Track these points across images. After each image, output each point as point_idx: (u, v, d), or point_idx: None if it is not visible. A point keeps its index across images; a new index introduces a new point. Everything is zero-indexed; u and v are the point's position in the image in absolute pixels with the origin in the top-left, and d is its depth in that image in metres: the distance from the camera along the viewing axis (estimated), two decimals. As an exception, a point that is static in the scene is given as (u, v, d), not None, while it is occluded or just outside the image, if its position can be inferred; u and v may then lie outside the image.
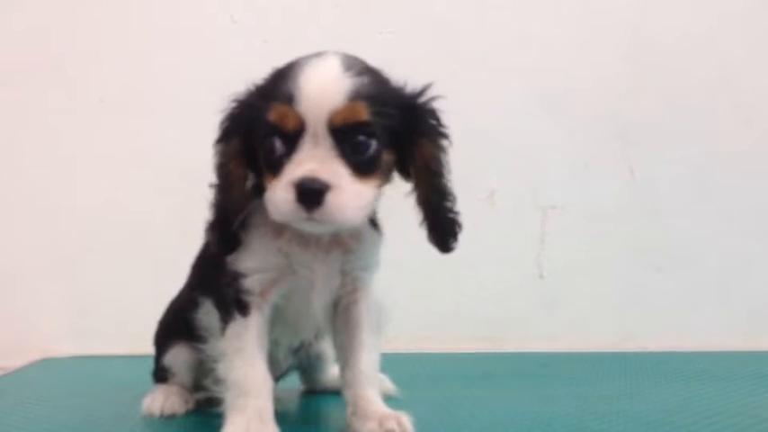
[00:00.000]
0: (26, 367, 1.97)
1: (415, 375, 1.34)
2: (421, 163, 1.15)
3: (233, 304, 1.21)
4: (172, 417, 1.39)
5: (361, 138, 1.09)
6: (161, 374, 1.45)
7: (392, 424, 1.18)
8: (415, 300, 2.03)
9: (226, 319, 1.22)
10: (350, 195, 1.07)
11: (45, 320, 2.17)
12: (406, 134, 1.14)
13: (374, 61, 1.17)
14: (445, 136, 1.17)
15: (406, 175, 1.19)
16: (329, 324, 1.30)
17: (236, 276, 1.20)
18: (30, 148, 2.19)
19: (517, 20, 2.20)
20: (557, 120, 2.20)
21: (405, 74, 1.17)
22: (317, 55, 1.12)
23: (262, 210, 1.14)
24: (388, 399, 1.32)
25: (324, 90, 1.07)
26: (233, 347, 1.20)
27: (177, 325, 1.40)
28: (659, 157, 2.22)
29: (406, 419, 1.20)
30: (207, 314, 1.27)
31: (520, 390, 1.62)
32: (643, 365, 1.88)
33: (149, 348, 1.57)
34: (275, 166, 1.10)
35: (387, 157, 1.13)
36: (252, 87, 1.17)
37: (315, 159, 1.07)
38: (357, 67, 1.11)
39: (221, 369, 1.21)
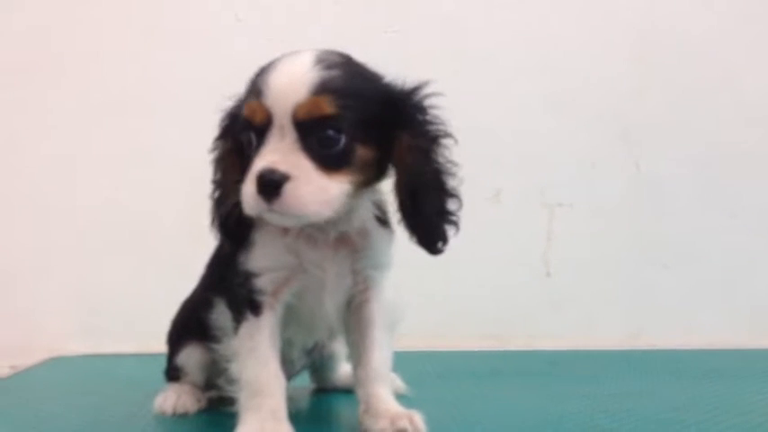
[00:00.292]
0: (35, 366, 1.97)
1: (424, 373, 1.34)
2: (397, 156, 1.13)
3: (245, 304, 1.21)
4: (184, 415, 1.40)
5: (328, 132, 1.08)
6: (173, 373, 1.46)
7: (404, 422, 1.19)
8: (422, 298, 2.03)
9: (238, 318, 1.22)
10: (310, 188, 1.07)
11: (53, 319, 2.17)
12: (389, 129, 1.13)
13: (377, 60, 1.17)
14: (432, 131, 1.14)
15: None
16: (342, 323, 1.30)
17: (248, 276, 1.21)
18: (33, 149, 2.19)
19: (523, 19, 2.21)
20: (563, 118, 2.20)
21: (409, 73, 1.16)
22: (296, 52, 1.13)
23: None
24: (398, 397, 1.32)
25: (288, 84, 1.08)
26: (246, 347, 1.21)
27: (190, 324, 1.40)
28: (665, 156, 2.22)
29: (418, 418, 1.21)
30: (220, 314, 1.28)
31: (529, 388, 1.62)
32: (650, 363, 1.89)
33: (158, 347, 1.58)
34: (249, 160, 1.11)
35: (363, 152, 1.11)
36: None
37: (277, 152, 1.08)
38: (330, 61, 1.10)
39: (235, 369, 1.21)
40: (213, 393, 1.44)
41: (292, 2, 2.19)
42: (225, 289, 1.26)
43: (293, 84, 1.08)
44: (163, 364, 1.51)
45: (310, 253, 1.20)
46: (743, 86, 2.24)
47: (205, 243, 1.33)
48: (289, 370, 1.30)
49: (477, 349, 2.06)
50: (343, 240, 1.22)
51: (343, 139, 1.09)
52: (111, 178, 2.18)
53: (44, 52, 2.18)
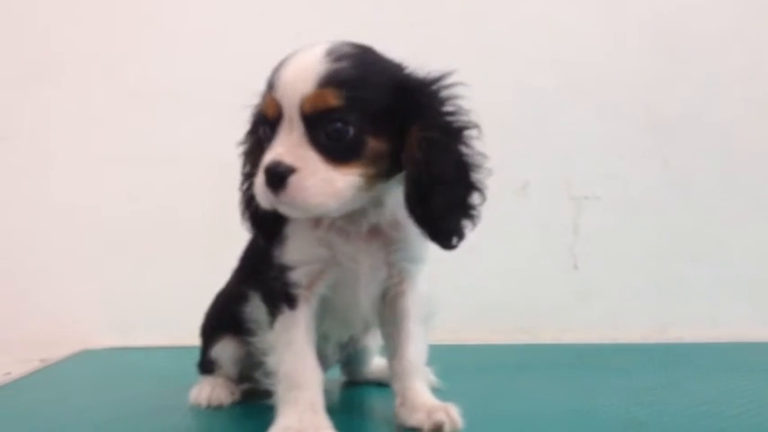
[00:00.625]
0: (65, 359, 1.99)
1: (455, 367, 1.34)
2: (407, 149, 1.11)
3: (281, 297, 1.22)
4: (218, 408, 1.41)
5: (335, 124, 1.08)
6: (207, 366, 1.46)
7: (441, 415, 1.19)
8: (450, 292, 2.02)
9: (274, 312, 1.23)
10: (316, 180, 1.07)
11: (83, 313, 2.19)
12: (406, 121, 1.11)
13: (402, 52, 1.16)
14: (450, 122, 1.12)
15: None
16: (376, 316, 1.30)
17: (283, 269, 1.21)
18: (58, 146, 2.21)
19: (549, 9, 2.19)
20: (590, 110, 2.18)
21: (434, 65, 1.14)
22: (312, 44, 1.13)
23: None
24: (431, 391, 1.32)
25: (296, 77, 1.08)
26: (282, 341, 1.21)
27: (224, 318, 1.41)
28: (693, 148, 2.20)
29: (454, 411, 1.21)
30: (255, 307, 1.28)
31: (559, 380, 1.62)
32: (679, 356, 1.88)
33: (187, 340, 1.59)
34: (264, 153, 1.11)
35: (374, 144, 1.10)
36: None
37: (286, 144, 1.08)
38: (341, 53, 1.10)
39: (271, 362, 1.22)
40: (247, 386, 1.45)
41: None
42: (259, 282, 1.26)
43: (300, 77, 1.08)
44: (192, 357, 1.52)
45: (343, 245, 1.20)
46: (772, 76, 2.21)
47: (234, 236, 1.33)
48: (323, 364, 1.29)
49: (504, 342, 2.05)
50: (375, 233, 1.21)
51: (350, 132, 1.08)
52: (139, 173, 2.19)
53: (59, 48, 2.19)
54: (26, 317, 2.19)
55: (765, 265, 2.21)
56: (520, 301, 2.17)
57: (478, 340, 2.04)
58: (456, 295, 2.05)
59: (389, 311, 1.29)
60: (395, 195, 1.19)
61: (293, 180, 1.06)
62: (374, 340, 1.50)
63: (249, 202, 1.21)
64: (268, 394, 1.23)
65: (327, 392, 1.23)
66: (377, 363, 1.56)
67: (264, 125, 1.14)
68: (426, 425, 1.19)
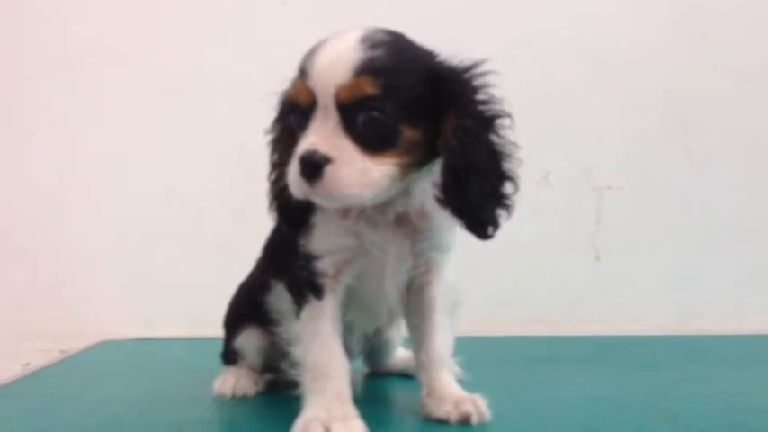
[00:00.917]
0: (86, 350, 1.99)
1: (478, 358, 1.32)
2: (443, 138, 1.10)
3: (307, 287, 1.20)
4: (243, 398, 1.40)
5: (371, 113, 1.06)
6: (231, 357, 1.46)
7: (468, 406, 1.19)
8: (471, 283, 2.01)
9: (300, 302, 1.21)
10: (351, 170, 1.05)
11: (103, 303, 2.19)
12: (439, 109, 1.10)
13: (425, 41, 1.14)
14: (483, 111, 1.10)
15: None
16: (402, 306, 1.28)
17: (309, 259, 1.19)
18: (85, 137, 2.20)
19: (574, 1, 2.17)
20: (612, 99, 2.16)
21: (455, 52, 1.12)
22: (344, 31, 1.10)
23: None
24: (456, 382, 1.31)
25: (331, 65, 1.06)
26: (309, 330, 1.20)
27: (248, 308, 1.40)
28: (716, 138, 2.17)
29: (481, 402, 1.20)
30: (279, 297, 1.27)
31: (584, 372, 1.60)
32: (703, 348, 1.86)
33: (208, 331, 1.59)
34: (297, 142, 1.10)
35: (409, 133, 1.08)
36: None
37: (321, 133, 1.06)
38: (375, 40, 1.08)
39: (298, 352, 1.21)
40: (270, 376, 1.44)
41: None
42: (284, 272, 1.25)
43: (336, 65, 1.06)
44: (214, 348, 1.51)
45: (371, 235, 1.19)
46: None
47: (256, 226, 1.32)
48: (347, 355, 1.27)
49: (526, 334, 2.03)
50: (403, 222, 1.20)
51: (387, 121, 1.06)
52: (161, 164, 2.19)
53: (84, 43, 2.19)
54: (47, 308, 2.19)
55: (790, 255, 2.18)
56: (542, 292, 2.16)
57: (499, 332, 2.02)
58: (477, 286, 2.03)
59: (415, 301, 1.27)
60: (422, 184, 1.17)
61: (329, 170, 1.05)
62: (397, 331, 1.49)
63: (278, 192, 1.19)
64: (292, 384, 1.22)
65: (352, 383, 1.22)
66: (400, 354, 1.55)
67: (296, 113, 1.12)
68: (453, 416, 1.19)
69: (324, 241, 1.19)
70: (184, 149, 2.18)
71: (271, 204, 1.23)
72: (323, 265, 1.19)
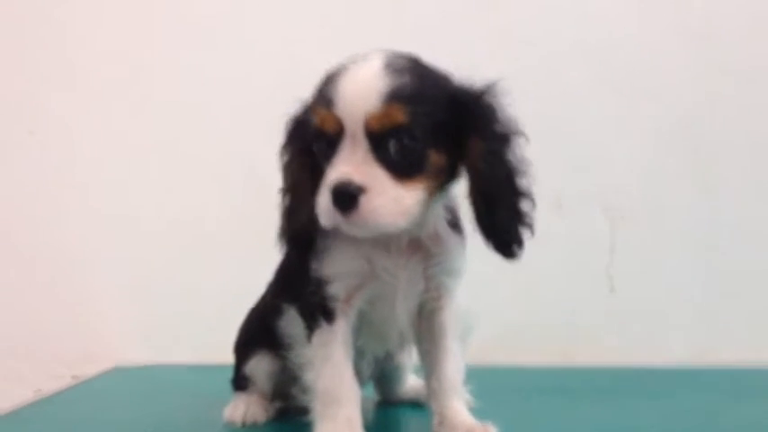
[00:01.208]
0: (97, 376, 1.98)
1: (489, 388, 1.30)
2: (470, 162, 1.11)
3: (318, 311, 1.20)
4: (253, 425, 1.38)
5: (401, 140, 1.06)
6: (241, 383, 1.44)
7: (480, 436, 1.17)
8: (481, 310, 2.00)
9: (311, 326, 1.21)
10: (386, 199, 1.05)
11: (115, 329, 2.20)
12: (461, 133, 1.11)
13: (420, 52, 1.15)
14: (504, 134, 1.11)
15: None
16: (413, 331, 1.28)
17: (321, 283, 1.19)
18: (95, 156, 2.22)
19: (590, 28, 2.17)
20: (629, 127, 2.15)
21: (465, 66, 1.13)
22: (364, 54, 1.11)
23: None
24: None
25: (360, 92, 1.06)
26: (320, 355, 1.19)
27: (259, 333, 1.39)
28: (736, 168, 2.15)
29: (493, 431, 1.19)
30: (291, 322, 1.27)
31: (598, 403, 1.57)
32: (721, 380, 1.82)
33: (220, 358, 1.58)
34: (321, 169, 1.10)
35: (436, 158, 1.09)
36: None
37: (351, 162, 1.06)
38: (399, 66, 1.08)
39: (309, 378, 1.20)
40: (280, 404, 1.43)
41: (350, 5, 2.18)
42: (295, 296, 1.25)
43: (364, 93, 1.06)
44: (225, 375, 1.50)
45: (383, 259, 1.18)
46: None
47: (266, 253, 1.31)
48: (358, 380, 1.26)
49: (539, 364, 2.01)
50: (415, 246, 1.20)
51: (416, 147, 1.07)
52: (177, 191, 2.20)
53: (95, 41, 2.21)
54: (57, 333, 2.19)
55: (809, 287, 2.15)
56: (554, 322, 2.13)
57: (510, 362, 1.99)
58: (488, 315, 2.02)
59: (426, 327, 1.27)
60: (436, 208, 1.18)
61: (363, 200, 1.05)
62: (409, 358, 1.48)
63: (292, 220, 1.19)
64: (303, 411, 1.21)
65: (363, 411, 1.20)
66: (411, 382, 1.54)
67: (320, 141, 1.11)
68: (465, 445, 1.17)
69: (335, 265, 1.19)
70: (196, 174, 2.19)
71: (282, 231, 1.22)
72: (334, 289, 1.19)
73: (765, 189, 2.16)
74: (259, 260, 1.34)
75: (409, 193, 1.08)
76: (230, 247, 2.16)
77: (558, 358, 2.07)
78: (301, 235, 1.19)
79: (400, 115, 1.06)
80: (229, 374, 1.49)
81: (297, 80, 1.12)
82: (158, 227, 2.20)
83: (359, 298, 1.21)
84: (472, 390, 1.31)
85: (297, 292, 1.24)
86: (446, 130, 1.10)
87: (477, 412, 1.26)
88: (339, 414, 1.15)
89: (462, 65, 1.13)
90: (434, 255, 1.21)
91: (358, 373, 1.27)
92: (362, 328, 1.24)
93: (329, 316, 1.20)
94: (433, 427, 1.23)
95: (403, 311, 1.23)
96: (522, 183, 1.13)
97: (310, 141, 1.14)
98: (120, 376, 2.00)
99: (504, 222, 1.12)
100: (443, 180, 1.13)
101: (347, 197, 1.05)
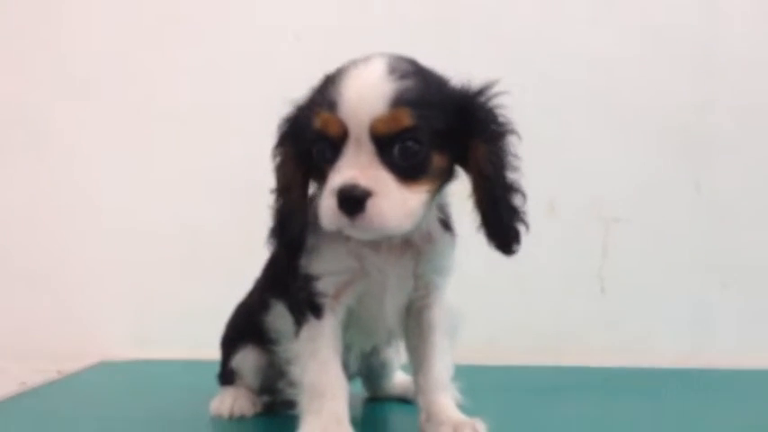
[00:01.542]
0: (83, 371, 1.97)
1: (479, 386, 1.30)
2: (474, 164, 1.12)
3: (306, 307, 1.19)
4: (241, 419, 1.38)
5: (406, 144, 1.06)
6: (228, 377, 1.44)
7: (467, 431, 1.16)
8: (473, 311, 1.99)
9: (299, 321, 1.20)
10: (392, 202, 1.05)
11: (102, 324, 2.18)
12: (461, 135, 1.11)
13: (428, 55, 1.15)
14: (503, 134, 1.12)
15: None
16: (401, 328, 1.27)
17: (309, 279, 1.19)
18: (89, 162, 2.21)
19: (582, 33, 2.16)
20: (622, 131, 2.15)
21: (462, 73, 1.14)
22: (365, 58, 1.11)
23: None
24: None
25: (364, 96, 1.05)
26: (307, 350, 1.19)
27: (246, 327, 1.39)
28: (726, 172, 2.15)
29: (481, 426, 1.18)
30: (278, 317, 1.26)
31: (587, 403, 1.58)
32: (711, 382, 1.83)
33: (206, 353, 1.57)
34: (324, 173, 1.09)
35: (438, 160, 1.09)
36: (308, 93, 1.16)
37: (357, 166, 1.06)
38: (402, 69, 1.08)
39: (296, 372, 1.19)
40: (268, 398, 1.42)
41: (351, 21, 2.17)
42: (284, 291, 1.24)
43: (369, 96, 1.05)
44: (212, 370, 1.49)
45: (373, 257, 1.18)
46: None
47: (254, 249, 1.30)
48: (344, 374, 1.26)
49: (529, 364, 2.00)
50: (406, 245, 1.19)
51: (420, 150, 1.07)
52: (163, 188, 2.19)
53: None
54: (44, 327, 2.18)
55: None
56: (545, 322, 2.13)
57: (501, 361, 1.99)
58: (479, 315, 2.01)
59: (415, 324, 1.26)
60: (431, 208, 1.17)
61: (371, 204, 1.04)
62: (396, 354, 1.48)
63: (285, 220, 1.17)
64: (290, 405, 1.21)
65: (351, 407, 1.20)
66: (399, 378, 1.54)
67: (321, 144, 1.10)
68: (452, 440, 1.16)
69: (325, 262, 1.18)
70: (186, 176, 2.18)
71: (273, 231, 1.20)
72: (323, 285, 1.19)
73: (755, 195, 2.17)
74: (247, 256, 1.34)
75: (414, 196, 1.08)
76: (219, 243, 2.14)
77: (548, 358, 2.06)
78: (295, 239, 1.17)
79: (406, 119, 1.05)
80: (216, 370, 1.48)
81: (297, 83, 1.13)
82: (145, 224, 2.18)
83: (348, 294, 1.20)
84: (463, 388, 1.31)
85: (285, 287, 1.23)
86: (448, 132, 1.10)
87: (468, 410, 1.25)
88: (325, 408, 1.15)
89: (459, 72, 1.14)
90: (424, 253, 1.21)
91: (345, 367, 1.26)
92: (350, 323, 1.24)
93: (317, 311, 1.19)
94: (420, 422, 1.22)
95: (391, 308, 1.23)
96: (514, 178, 1.13)
97: (306, 143, 1.13)
98: (106, 371, 1.98)
99: (506, 221, 1.12)
100: (444, 181, 1.15)
101: (354, 201, 1.04)
